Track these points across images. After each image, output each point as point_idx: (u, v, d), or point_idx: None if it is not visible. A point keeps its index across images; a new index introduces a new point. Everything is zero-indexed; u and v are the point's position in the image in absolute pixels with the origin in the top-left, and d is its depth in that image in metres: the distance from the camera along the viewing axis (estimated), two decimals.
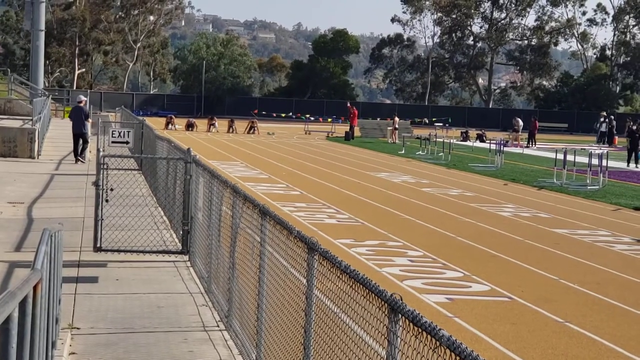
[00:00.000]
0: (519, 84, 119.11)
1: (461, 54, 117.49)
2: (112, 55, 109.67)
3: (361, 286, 5.47)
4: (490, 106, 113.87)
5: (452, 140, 51.24)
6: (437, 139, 49.36)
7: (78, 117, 32.50)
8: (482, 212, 24.07)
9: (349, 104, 68.71)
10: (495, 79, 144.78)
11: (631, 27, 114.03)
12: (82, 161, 31.77)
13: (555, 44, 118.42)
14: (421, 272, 15.07)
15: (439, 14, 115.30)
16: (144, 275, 13.56)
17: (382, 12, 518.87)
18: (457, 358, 4.06)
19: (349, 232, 19.25)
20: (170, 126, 64.35)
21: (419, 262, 15.99)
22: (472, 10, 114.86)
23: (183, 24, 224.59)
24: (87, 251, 14.99)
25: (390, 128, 62.35)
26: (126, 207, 16.72)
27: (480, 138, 63.53)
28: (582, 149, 41.62)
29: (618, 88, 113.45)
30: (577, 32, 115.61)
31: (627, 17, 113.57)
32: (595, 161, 32.33)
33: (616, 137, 68.81)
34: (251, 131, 64.24)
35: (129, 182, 16.73)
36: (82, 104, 33.22)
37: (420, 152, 48.59)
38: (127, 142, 27.38)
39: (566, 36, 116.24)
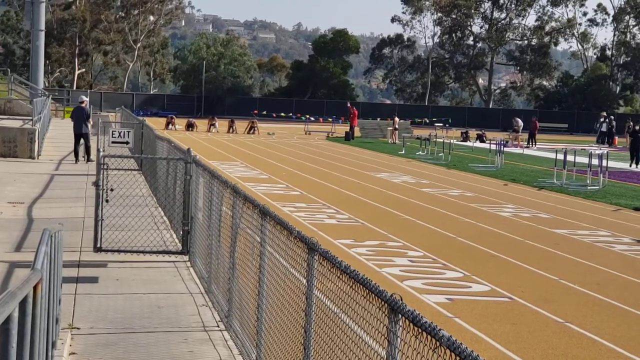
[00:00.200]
0: (519, 84, 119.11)
1: (461, 54, 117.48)
2: (112, 55, 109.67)
3: (361, 286, 5.47)
4: (491, 106, 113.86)
5: (452, 141, 51.24)
6: (437, 139, 49.36)
7: (79, 118, 32.52)
8: (482, 212, 24.07)
9: (349, 104, 68.69)
10: (496, 79, 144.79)
11: (631, 27, 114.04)
12: (91, 160, 31.71)
13: (556, 44, 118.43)
14: (421, 272, 15.07)
15: (439, 14, 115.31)
16: (144, 276, 13.57)
17: (382, 12, 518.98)
18: (457, 358, 4.06)
19: (349, 232, 19.25)
20: (170, 126, 64.35)
21: (419, 263, 15.99)
22: (472, 11, 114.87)
23: (183, 24, 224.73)
24: (87, 251, 14.99)
25: (390, 128, 62.35)
26: (126, 207, 16.72)
27: (480, 138, 63.52)
28: (582, 149, 41.62)
29: (618, 88, 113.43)
30: (577, 32, 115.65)
31: (627, 17, 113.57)
32: (595, 161, 32.33)
33: (616, 138, 68.80)
34: (251, 131, 64.24)
35: (129, 183, 16.73)
36: (83, 104, 33.24)
37: (420, 152, 48.58)
38: (127, 143, 27.38)
39: (566, 36, 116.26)
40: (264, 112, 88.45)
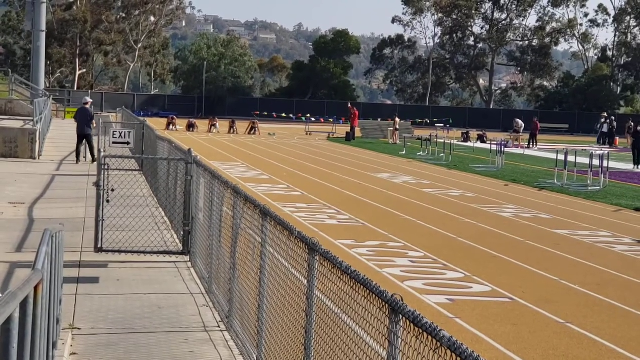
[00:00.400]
0: (519, 85, 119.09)
1: (462, 55, 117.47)
2: (112, 55, 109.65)
3: (362, 287, 5.48)
4: (491, 107, 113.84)
5: (452, 141, 51.24)
6: (438, 140, 49.36)
7: (83, 118, 32.54)
8: (483, 212, 24.07)
9: (349, 105, 68.69)
10: (496, 80, 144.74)
11: (632, 28, 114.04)
12: (96, 161, 31.70)
13: (556, 44, 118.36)
14: (422, 272, 15.07)
15: (440, 15, 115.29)
16: (144, 276, 13.57)
17: (383, 12, 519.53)
18: (458, 359, 4.06)
19: (350, 232, 19.25)
20: (171, 127, 64.36)
21: (420, 263, 16.00)
22: (473, 11, 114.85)
23: (184, 24, 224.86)
24: (88, 252, 14.99)
25: (391, 129, 62.35)
26: (127, 207, 16.73)
27: (481, 139, 63.53)
28: (583, 149, 41.61)
29: (619, 89, 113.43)
30: (578, 32, 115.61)
31: (628, 18, 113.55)
32: (596, 162, 32.32)
33: (617, 138, 68.78)
34: (252, 132, 64.24)
35: (130, 183, 16.74)
36: (87, 105, 33.27)
37: (421, 152, 48.58)
38: (128, 143, 27.40)
39: (567, 37, 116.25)
40: (265, 113, 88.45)
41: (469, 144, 60.81)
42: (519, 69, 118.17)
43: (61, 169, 30.71)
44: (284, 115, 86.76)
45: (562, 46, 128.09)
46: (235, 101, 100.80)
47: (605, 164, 32.27)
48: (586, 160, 33.83)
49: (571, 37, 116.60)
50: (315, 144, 56.44)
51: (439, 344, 4.27)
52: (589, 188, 31.19)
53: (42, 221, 17.52)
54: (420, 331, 4.51)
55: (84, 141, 32.45)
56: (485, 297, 13.53)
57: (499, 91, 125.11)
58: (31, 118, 36.88)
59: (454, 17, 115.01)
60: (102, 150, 21.08)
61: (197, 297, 12.27)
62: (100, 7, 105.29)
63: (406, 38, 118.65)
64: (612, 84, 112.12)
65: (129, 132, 27.42)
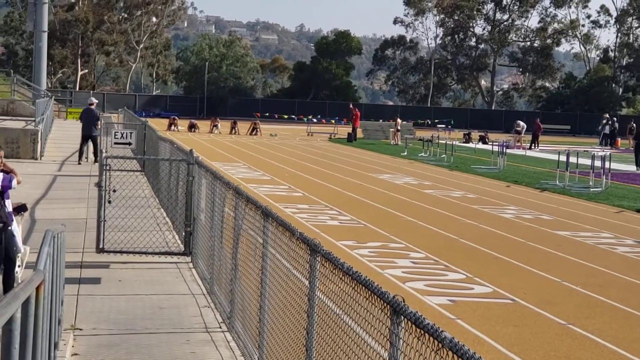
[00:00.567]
0: (521, 86, 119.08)
1: (464, 56, 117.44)
2: (114, 56, 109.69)
3: (363, 288, 5.48)
4: (493, 108, 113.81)
5: (454, 142, 51.20)
6: (440, 141, 49.34)
7: (89, 119, 32.53)
8: (485, 214, 24.07)
9: (351, 106, 68.67)
10: (498, 81, 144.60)
11: (634, 28, 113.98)
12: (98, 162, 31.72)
13: (558, 45, 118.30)
14: (423, 273, 15.07)
15: (442, 16, 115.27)
16: (146, 277, 13.58)
17: (384, 13, 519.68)
18: None
19: (352, 233, 19.25)
20: (172, 127, 64.38)
21: (421, 264, 15.99)
22: (475, 12, 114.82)
23: (186, 25, 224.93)
24: (89, 252, 15.00)
25: (393, 130, 62.35)
26: (129, 208, 16.72)
27: (483, 140, 63.51)
28: (584, 150, 41.60)
29: (621, 90, 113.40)
30: (580, 33, 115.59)
31: (630, 19, 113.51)
32: (598, 163, 32.31)
33: (619, 139, 68.73)
34: (253, 132, 64.24)
35: (131, 184, 16.74)
36: (92, 106, 33.29)
37: (422, 153, 48.56)
38: (129, 144, 27.41)
39: (569, 38, 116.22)
40: (267, 114, 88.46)
41: (470, 145, 60.80)
42: (521, 69, 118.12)
43: (63, 169, 30.71)
44: (285, 116, 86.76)
45: (564, 47, 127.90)
46: (236, 102, 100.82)
47: (607, 165, 32.25)
48: (588, 162, 33.81)
49: (573, 38, 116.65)
50: (317, 144, 56.44)
51: (440, 345, 4.27)
52: (591, 189, 31.17)
53: (44, 222, 17.53)
54: (422, 332, 4.51)
55: (89, 142, 32.44)
56: (486, 298, 13.53)
57: (500, 92, 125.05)
58: (33, 118, 36.86)
59: (456, 17, 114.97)
60: (103, 150, 21.10)
61: (199, 297, 12.27)
62: (102, 8, 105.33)
63: (408, 39, 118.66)
64: (613, 85, 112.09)
65: (131, 133, 27.44)
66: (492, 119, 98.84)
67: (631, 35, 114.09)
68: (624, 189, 32.62)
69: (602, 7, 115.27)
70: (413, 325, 4.65)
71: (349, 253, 16.51)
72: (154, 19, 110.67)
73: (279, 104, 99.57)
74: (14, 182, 11.39)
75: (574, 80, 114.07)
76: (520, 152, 55.14)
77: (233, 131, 64.40)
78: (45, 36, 54.62)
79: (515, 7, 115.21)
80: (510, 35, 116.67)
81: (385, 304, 5.08)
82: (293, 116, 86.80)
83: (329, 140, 61.95)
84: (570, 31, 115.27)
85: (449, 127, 73.00)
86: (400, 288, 13.59)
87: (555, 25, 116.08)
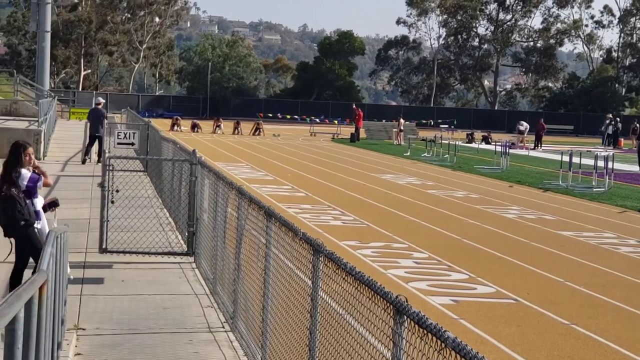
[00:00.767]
0: (524, 86, 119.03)
1: (467, 56, 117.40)
2: (117, 56, 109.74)
3: (366, 288, 5.48)
4: (496, 108, 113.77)
5: (457, 142, 51.19)
6: (443, 141, 49.34)
7: (96, 119, 32.58)
8: (488, 214, 24.06)
9: (354, 106, 68.70)
10: (501, 81, 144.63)
11: (637, 29, 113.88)
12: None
13: (561, 45, 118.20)
14: (426, 274, 15.07)
15: (445, 16, 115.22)
16: (149, 277, 13.58)
17: (387, 13, 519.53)
18: None
19: (355, 233, 19.25)
20: (175, 127, 64.40)
21: (424, 264, 15.99)
22: (478, 12, 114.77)
23: (189, 25, 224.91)
24: (92, 252, 15.01)
25: (396, 130, 62.34)
26: (132, 208, 16.73)
27: (486, 140, 63.49)
28: (587, 151, 41.57)
29: (624, 90, 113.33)
30: (583, 33, 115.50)
31: (633, 19, 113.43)
32: (601, 163, 32.30)
33: (622, 140, 68.67)
34: (256, 133, 64.25)
35: (134, 184, 16.75)
36: (100, 106, 33.35)
37: (425, 154, 48.56)
38: (132, 144, 27.42)
39: (572, 38, 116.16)
40: (270, 114, 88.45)
41: (473, 145, 60.78)
42: (524, 70, 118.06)
43: (66, 169, 30.72)
44: (288, 116, 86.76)
45: (567, 47, 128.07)
46: (239, 102, 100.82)
47: (610, 165, 32.24)
48: (591, 162, 33.79)
49: (576, 38, 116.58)
50: (320, 144, 56.44)
51: (443, 345, 4.27)
52: (594, 189, 31.16)
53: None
54: (425, 332, 4.51)
55: (95, 141, 32.47)
56: (489, 298, 13.53)
57: (503, 92, 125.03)
58: (36, 119, 36.88)
59: (459, 18, 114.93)
60: (106, 151, 21.12)
61: (202, 298, 12.28)
62: (105, 8, 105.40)
63: (411, 39, 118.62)
64: (617, 85, 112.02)
65: (134, 133, 27.44)
66: (495, 119, 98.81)
67: (634, 35, 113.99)
68: (627, 189, 32.60)
69: (606, 7, 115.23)
70: (416, 325, 4.66)
71: (352, 253, 16.52)
72: (157, 19, 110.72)
73: (282, 104, 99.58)
74: (40, 183, 11.22)
75: (577, 80, 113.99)
76: (523, 152, 55.10)
77: (236, 131, 64.40)
78: (48, 36, 54.66)
79: (518, 7, 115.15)
80: (513, 36, 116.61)
81: (388, 304, 5.08)
82: (296, 116, 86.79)
83: (331, 141, 61.95)
84: (573, 31, 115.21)
85: (452, 127, 72.96)
86: (403, 288, 13.59)
87: (559, 25, 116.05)
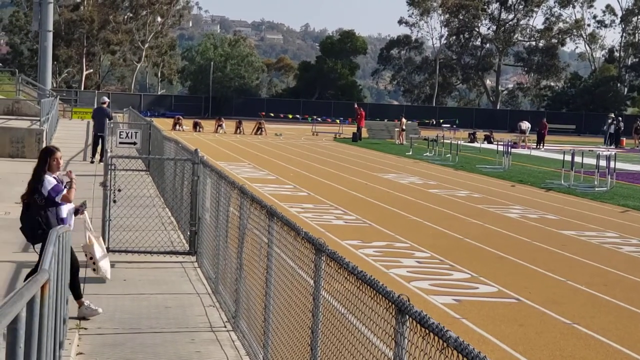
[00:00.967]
0: (526, 85, 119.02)
1: (469, 55, 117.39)
2: (119, 55, 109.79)
3: (368, 287, 5.48)
4: (498, 107, 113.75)
5: (459, 142, 51.20)
6: (445, 140, 49.33)
7: (100, 118, 32.61)
8: (490, 213, 24.06)
9: (356, 105, 68.70)
10: (503, 80, 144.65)
11: (639, 28, 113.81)
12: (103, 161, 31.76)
13: (563, 44, 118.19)
14: (428, 273, 15.07)
15: (447, 16, 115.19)
16: (151, 276, 13.58)
17: (389, 13, 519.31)
18: (465, 359, 4.06)
19: (357, 233, 19.25)
20: (177, 127, 64.42)
21: (426, 264, 15.99)
22: (480, 12, 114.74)
23: (191, 24, 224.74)
24: None
25: (398, 129, 62.32)
26: (134, 207, 16.73)
27: (488, 139, 63.47)
28: (589, 150, 41.56)
29: (626, 90, 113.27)
30: (585, 33, 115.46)
31: (635, 19, 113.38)
32: (603, 163, 32.29)
33: (623, 139, 68.64)
34: (259, 132, 64.26)
35: (136, 183, 16.75)
36: (104, 105, 33.40)
37: (427, 153, 48.56)
38: (134, 143, 27.42)
39: (574, 37, 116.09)
40: (272, 114, 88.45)
41: (475, 144, 60.76)
42: (526, 69, 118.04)
43: (68, 169, 30.70)
44: (290, 115, 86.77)
45: (569, 46, 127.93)
46: (241, 101, 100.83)
47: (612, 164, 32.23)
48: (593, 161, 33.78)
49: (578, 38, 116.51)
50: (322, 144, 56.45)
51: (445, 345, 4.27)
52: (596, 189, 31.15)
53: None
54: (427, 331, 4.51)
55: (99, 140, 32.51)
56: (491, 297, 13.53)
57: (505, 92, 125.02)
58: (38, 118, 36.90)
59: (461, 17, 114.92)
60: (108, 150, 21.12)
61: (204, 297, 12.28)
62: (107, 7, 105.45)
63: (413, 38, 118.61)
64: (619, 84, 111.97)
65: (136, 133, 27.45)
66: (497, 118, 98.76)
67: (637, 34, 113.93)
68: (629, 188, 32.59)
69: (608, 6, 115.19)
70: (418, 325, 4.66)
71: (354, 252, 16.52)
72: (159, 19, 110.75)
73: (284, 103, 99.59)
74: (60, 197, 10.81)
75: (579, 79, 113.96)
76: (525, 151, 55.09)
77: (238, 131, 64.41)
78: (50, 36, 54.69)
79: (521, 6, 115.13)
80: (515, 35, 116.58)
81: (390, 304, 5.08)
82: (298, 116, 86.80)
83: (334, 140, 61.95)
84: (575, 31, 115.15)
85: (454, 126, 72.95)
86: (405, 287, 13.59)
87: (561, 25, 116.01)
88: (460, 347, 4.10)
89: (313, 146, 53.31)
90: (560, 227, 21.66)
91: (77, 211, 11.51)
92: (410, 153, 48.50)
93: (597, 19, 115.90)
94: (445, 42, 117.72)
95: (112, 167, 15.28)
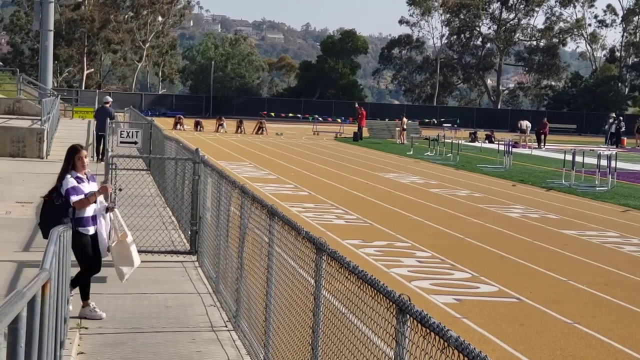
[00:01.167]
0: (527, 85, 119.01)
1: (470, 55, 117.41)
2: (120, 54, 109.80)
3: (369, 287, 5.48)
4: (499, 107, 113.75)
5: (460, 141, 51.19)
6: (446, 140, 49.33)
7: (103, 118, 32.63)
8: (491, 213, 24.05)
9: (357, 105, 68.69)
10: (504, 80, 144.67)
11: None
12: (103, 161, 31.77)
13: (564, 44, 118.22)
14: (429, 272, 15.07)
15: (447, 15, 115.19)
16: (152, 276, 13.57)
17: (390, 12, 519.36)
18: (465, 359, 4.06)
19: (357, 232, 19.25)
20: (178, 126, 64.43)
21: (427, 263, 15.99)
22: (481, 11, 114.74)
23: (191, 24, 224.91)
24: None
25: (399, 129, 62.32)
26: (134, 207, 16.73)
27: (489, 139, 63.46)
28: (590, 150, 41.56)
29: (627, 89, 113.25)
30: (586, 33, 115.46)
31: (636, 18, 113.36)
32: (604, 162, 32.28)
33: (624, 139, 68.60)
34: (259, 131, 64.27)
35: (137, 183, 16.75)
36: (107, 105, 33.44)
37: (428, 152, 48.55)
38: (135, 143, 27.40)
39: (575, 37, 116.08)
40: (272, 113, 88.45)
41: (476, 144, 60.74)
42: (527, 69, 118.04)
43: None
44: (291, 115, 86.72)
45: (570, 46, 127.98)
46: (242, 101, 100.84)
47: (613, 164, 32.23)
48: (594, 161, 33.78)
49: (579, 37, 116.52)
50: (323, 143, 56.45)
51: (446, 344, 4.27)
52: (597, 188, 31.15)
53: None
54: (428, 331, 4.51)
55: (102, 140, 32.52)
56: (492, 297, 13.53)
57: (506, 91, 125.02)
58: (39, 117, 36.89)
59: (462, 17, 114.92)
60: (109, 149, 21.12)
61: (205, 296, 12.28)
62: (108, 7, 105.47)
63: (414, 38, 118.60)
64: (620, 84, 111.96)
65: (137, 132, 27.42)
66: (498, 118, 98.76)
67: (638, 34, 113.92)
68: (630, 188, 32.58)
69: (609, 6, 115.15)
70: (419, 324, 4.66)
71: (354, 252, 16.52)
72: (160, 18, 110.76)
73: (285, 103, 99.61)
74: (73, 199, 10.59)
75: (580, 79, 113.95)
76: (526, 151, 55.08)
77: (239, 130, 64.42)
78: (51, 35, 54.69)
79: (521, 6, 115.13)
80: (516, 35, 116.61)
81: (391, 303, 5.08)
82: (299, 115, 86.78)
83: (334, 140, 61.95)
84: (576, 30, 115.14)
85: (455, 126, 72.93)
86: (406, 287, 13.58)
87: (561, 24, 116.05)
88: (461, 347, 4.10)
89: (314, 146, 53.31)
90: (561, 227, 21.66)
91: (106, 209, 11.30)
92: (411, 152, 48.50)
93: (598, 18, 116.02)
94: (446, 41, 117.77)
95: (113, 167, 15.27)
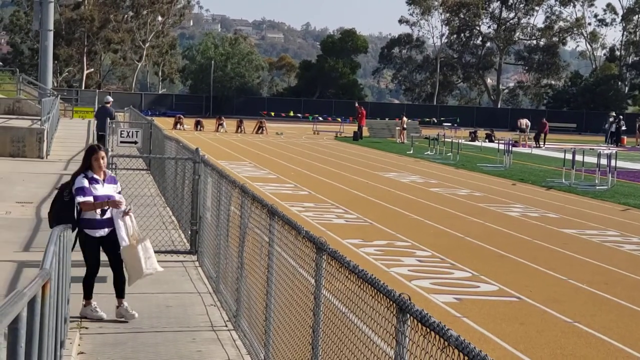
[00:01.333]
0: (526, 84, 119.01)
1: (470, 54, 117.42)
2: (120, 54, 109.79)
3: (369, 286, 5.48)
4: (499, 106, 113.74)
5: (460, 140, 51.20)
6: (446, 139, 49.33)
7: (103, 118, 32.66)
8: (491, 212, 24.05)
9: (357, 104, 68.70)
10: (504, 79, 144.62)
11: None
12: None
13: (564, 43, 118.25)
14: (429, 272, 15.07)
15: (447, 14, 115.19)
16: (152, 275, 13.55)
17: (390, 12, 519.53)
18: (466, 358, 4.06)
19: (358, 232, 19.25)
20: (178, 126, 64.44)
21: (427, 262, 15.99)
22: (481, 10, 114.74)
23: (191, 24, 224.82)
24: None
25: (399, 128, 62.33)
26: (134, 207, 16.69)
27: (489, 138, 63.46)
28: (590, 149, 41.56)
29: (626, 88, 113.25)
30: (586, 32, 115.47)
31: (636, 17, 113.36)
32: (604, 161, 32.28)
33: (624, 138, 68.61)
34: (260, 131, 64.27)
35: (137, 182, 16.74)
36: (108, 105, 33.49)
37: (428, 152, 48.56)
38: (135, 142, 27.40)
39: (575, 36, 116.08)
40: (272, 113, 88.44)
41: (476, 143, 60.75)
42: (527, 68, 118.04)
43: (69, 168, 30.71)
44: (291, 114, 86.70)
45: (570, 45, 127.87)
46: (242, 100, 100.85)
47: (613, 163, 32.23)
48: (594, 160, 33.79)
49: (579, 36, 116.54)
50: (323, 143, 56.45)
51: (446, 343, 4.27)
52: (597, 187, 31.15)
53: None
54: (428, 330, 4.51)
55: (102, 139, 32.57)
56: (492, 296, 13.53)
57: (506, 90, 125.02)
58: (39, 117, 36.88)
59: (462, 16, 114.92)
60: (110, 149, 21.10)
61: (205, 296, 12.28)
62: (108, 7, 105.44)
63: (414, 37, 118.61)
64: (619, 83, 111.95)
65: (137, 132, 27.42)
66: (498, 117, 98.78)
67: (637, 33, 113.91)
68: (630, 186, 32.59)
69: (609, 5, 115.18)
70: (419, 324, 4.66)
71: (355, 251, 16.52)
72: (160, 18, 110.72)
73: (285, 102, 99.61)
74: (80, 199, 10.59)
75: (580, 78, 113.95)
76: (527, 150, 55.09)
77: (239, 130, 64.43)
78: (51, 35, 54.69)
79: (521, 5, 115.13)
80: (516, 34, 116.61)
81: (391, 302, 5.08)
82: (299, 115, 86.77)
83: (335, 139, 61.95)
84: (576, 29, 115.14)
85: (455, 125, 72.93)
86: (406, 286, 13.58)
87: (561, 23, 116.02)
88: (461, 346, 4.10)
89: (314, 145, 53.31)
90: (561, 226, 21.66)
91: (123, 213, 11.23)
92: (411, 152, 48.51)
93: (598, 17, 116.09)
94: (446, 40, 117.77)
95: (113, 166, 15.27)
